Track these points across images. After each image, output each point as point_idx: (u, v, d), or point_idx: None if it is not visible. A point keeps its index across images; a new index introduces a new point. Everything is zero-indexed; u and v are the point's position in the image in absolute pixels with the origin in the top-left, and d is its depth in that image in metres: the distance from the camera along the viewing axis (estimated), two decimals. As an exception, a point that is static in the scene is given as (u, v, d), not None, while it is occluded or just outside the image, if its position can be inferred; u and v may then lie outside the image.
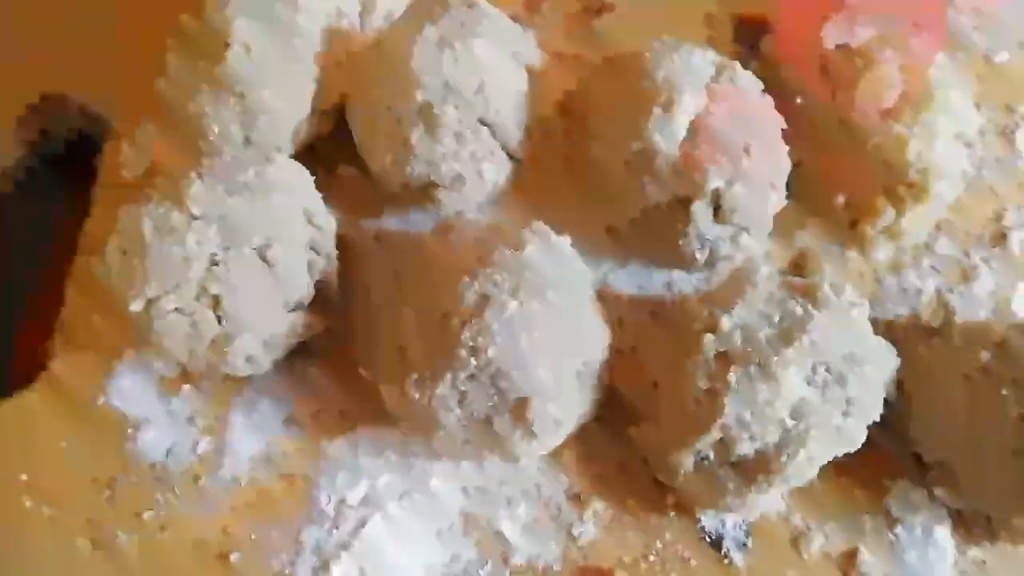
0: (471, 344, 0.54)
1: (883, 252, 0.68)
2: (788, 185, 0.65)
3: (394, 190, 0.67)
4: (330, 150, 0.71)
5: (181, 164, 0.67)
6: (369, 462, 0.62)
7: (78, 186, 0.73)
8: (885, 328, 0.65)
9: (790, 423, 0.54)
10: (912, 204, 0.65)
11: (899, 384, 0.60)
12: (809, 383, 0.55)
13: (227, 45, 0.65)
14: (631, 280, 0.68)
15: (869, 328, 0.58)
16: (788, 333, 0.55)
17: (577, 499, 0.62)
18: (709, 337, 0.56)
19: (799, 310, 0.56)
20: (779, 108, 0.66)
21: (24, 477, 0.61)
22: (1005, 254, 0.70)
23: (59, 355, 0.65)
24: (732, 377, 0.54)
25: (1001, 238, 0.71)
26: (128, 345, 0.64)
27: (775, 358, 0.54)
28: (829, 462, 0.57)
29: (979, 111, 0.75)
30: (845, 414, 0.55)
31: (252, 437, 0.63)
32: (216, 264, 0.58)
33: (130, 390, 0.64)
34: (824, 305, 0.56)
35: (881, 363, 0.58)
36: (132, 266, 0.58)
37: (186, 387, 0.64)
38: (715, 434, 0.55)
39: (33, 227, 0.74)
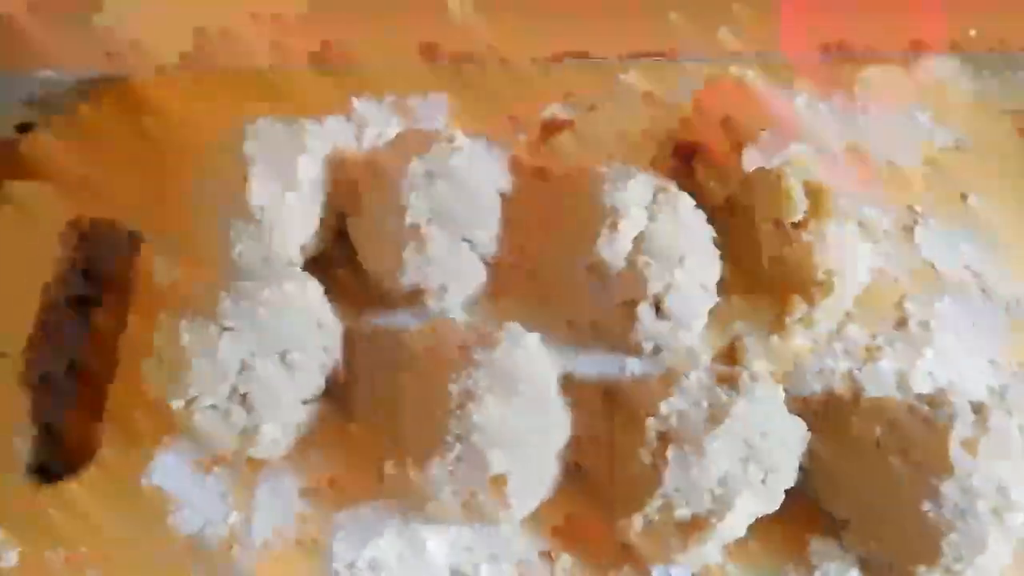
0: (457, 432, 0.65)
1: (800, 338, 0.79)
2: (719, 285, 0.77)
3: (388, 293, 0.79)
4: (333, 256, 0.82)
5: (207, 275, 0.79)
6: (373, 527, 0.71)
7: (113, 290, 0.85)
8: (802, 404, 0.75)
9: (718, 491, 0.65)
10: (821, 299, 0.77)
11: (812, 453, 0.71)
12: (733, 457, 0.66)
13: (245, 178, 0.75)
14: (591, 366, 0.79)
15: (783, 409, 0.70)
16: (715, 416, 0.66)
17: (548, 556, 0.71)
18: (651, 420, 0.67)
19: (724, 396, 0.67)
20: (710, 218, 0.79)
21: (84, 550, 0.71)
22: (906, 336, 0.81)
23: (106, 443, 0.75)
24: (670, 454, 0.66)
25: (902, 322, 0.82)
26: (166, 434, 0.74)
27: (705, 437, 0.66)
28: (757, 520, 0.67)
29: (884, 211, 0.89)
30: (764, 481, 0.66)
31: (274, 509, 0.72)
32: (244, 368, 0.69)
33: (169, 472, 0.73)
34: (744, 392, 0.68)
35: (793, 438, 0.69)
36: (174, 371, 0.68)
37: (216, 468, 0.74)
38: (658, 501, 0.66)
39: (75, 326, 0.85)
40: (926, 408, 0.69)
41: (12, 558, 0.71)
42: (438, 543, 0.72)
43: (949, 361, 0.81)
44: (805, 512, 0.72)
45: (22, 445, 0.77)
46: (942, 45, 0.94)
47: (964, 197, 0.90)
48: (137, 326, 0.81)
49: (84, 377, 0.82)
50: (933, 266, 0.86)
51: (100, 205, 0.88)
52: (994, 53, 0.96)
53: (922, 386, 0.79)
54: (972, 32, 0.92)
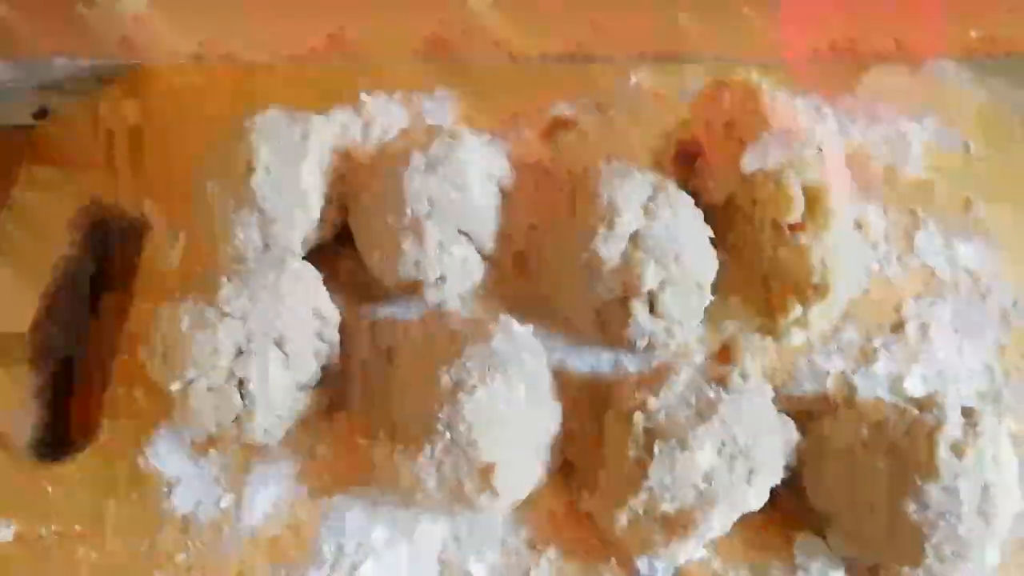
0: (447, 421, 0.66)
1: (795, 339, 0.80)
2: (715, 284, 0.78)
3: (387, 285, 0.80)
4: (334, 247, 0.83)
5: (209, 262, 0.80)
6: (363, 514, 0.72)
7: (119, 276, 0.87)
8: (795, 404, 0.76)
9: (703, 487, 0.66)
10: (816, 301, 0.77)
11: (801, 452, 0.71)
12: (719, 454, 0.66)
13: (250, 168, 0.77)
14: (584, 361, 0.80)
15: (772, 408, 0.70)
16: (702, 413, 0.67)
17: (534, 547, 0.72)
18: (639, 415, 0.68)
19: (712, 394, 0.68)
20: (708, 219, 0.79)
21: (78, 528, 0.73)
22: (902, 340, 0.81)
23: (106, 424, 0.77)
24: (656, 449, 0.66)
25: (899, 326, 0.82)
26: (165, 416, 0.75)
27: (691, 433, 0.66)
28: (743, 516, 0.68)
29: (885, 215, 0.89)
30: (749, 478, 0.66)
31: (266, 493, 0.74)
32: (242, 353, 0.70)
33: (166, 454, 0.75)
34: (733, 390, 0.68)
35: (780, 437, 0.70)
36: (173, 354, 0.70)
37: (212, 451, 0.75)
38: (643, 495, 0.66)
39: (83, 309, 0.87)
40: (915, 411, 0.69)
41: (8, 534, 0.73)
42: (426, 531, 0.72)
43: (944, 365, 0.81)
44: (792, 510, 0.73)
45: (25, 423, 0.79)
46: (947, 49, 0.94)
47: (968, 201, 0.90)
48: (140, 310, 0.82)
49: (89, 359, 0.84)
50: (933, 271, 0.86)
51: (111, 191, 0.90)
52: (1000, 57, 0.96)
53: (916, 390, 0.79)
54: (973, 33, 0.92)
